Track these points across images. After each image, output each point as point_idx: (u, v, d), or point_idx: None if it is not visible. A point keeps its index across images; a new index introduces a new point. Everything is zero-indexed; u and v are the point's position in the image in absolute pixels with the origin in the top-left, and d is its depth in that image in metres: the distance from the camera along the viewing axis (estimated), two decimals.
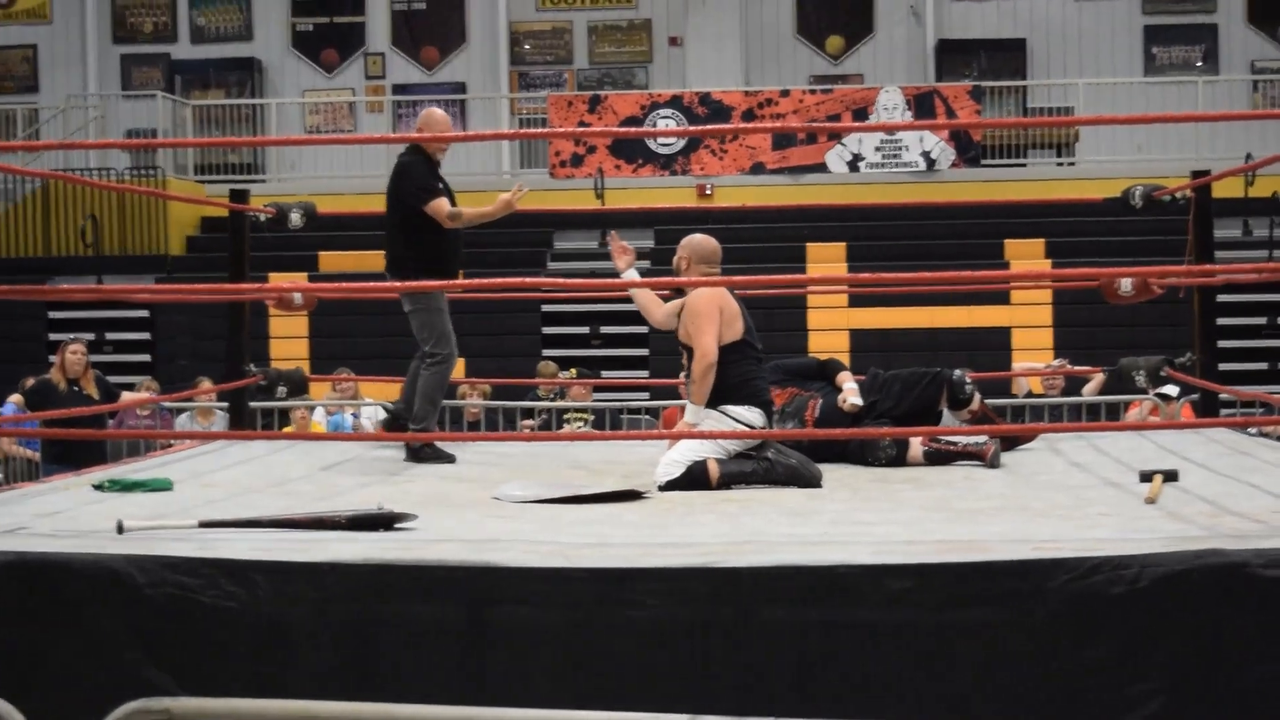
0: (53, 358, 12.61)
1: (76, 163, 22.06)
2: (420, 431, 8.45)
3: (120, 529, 5.42)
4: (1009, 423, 10.00)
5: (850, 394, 8.12)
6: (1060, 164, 22.92)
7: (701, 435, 7.13)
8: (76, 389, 12.05)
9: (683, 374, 7.80)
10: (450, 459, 8.38)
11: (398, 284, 8.40)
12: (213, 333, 17.46)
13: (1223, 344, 10.81)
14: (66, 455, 11.50)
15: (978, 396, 8.22)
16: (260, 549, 5.09)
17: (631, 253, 8.21)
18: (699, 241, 7.77)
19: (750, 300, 7.99)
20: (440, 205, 8.39)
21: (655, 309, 7.95)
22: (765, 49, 25.05)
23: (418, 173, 8.52)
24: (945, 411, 8.28)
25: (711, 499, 6.78)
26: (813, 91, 22.41)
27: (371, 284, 7.94)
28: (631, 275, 8.24)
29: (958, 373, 8.20)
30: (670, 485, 7.10)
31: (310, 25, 26.03)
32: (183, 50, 26.18)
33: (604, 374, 18.48)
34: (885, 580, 4.76)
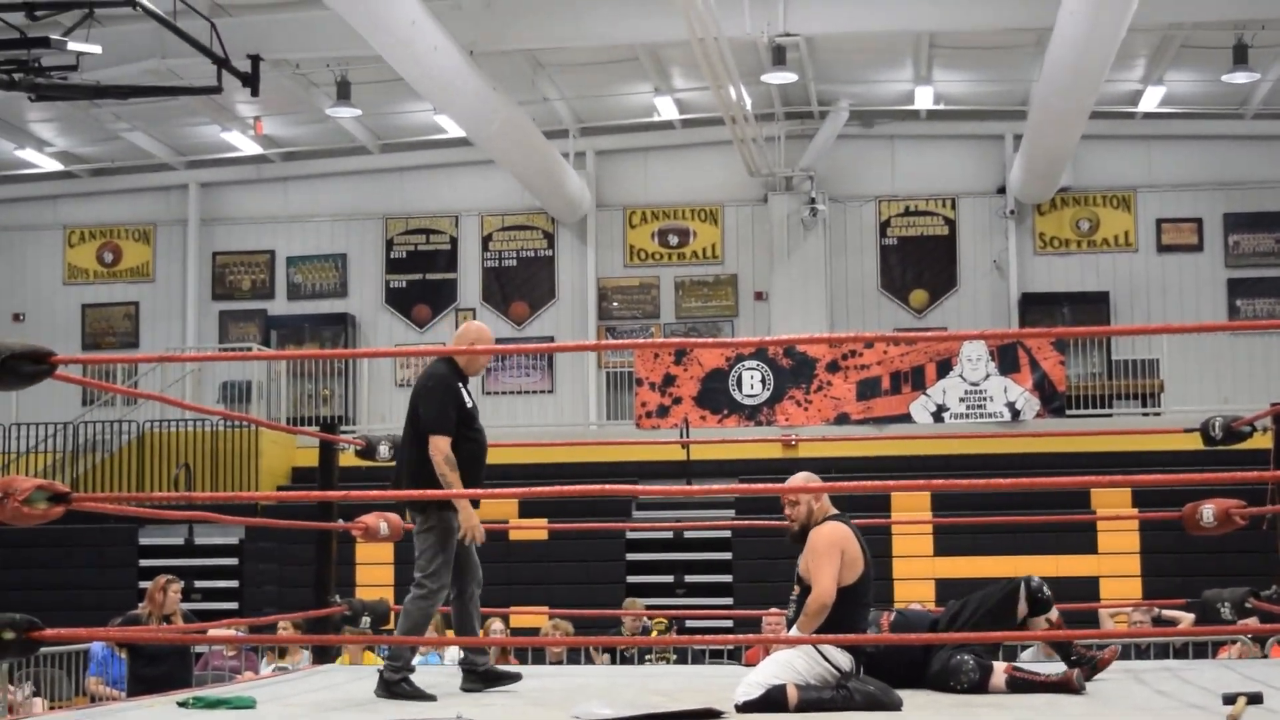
0: (142, 605, 12.55)
1: (172, 414, 22.48)
2: (400, 676, 7.88)
3: None
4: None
5: None
6: (1146, 414, 22.89)
7: (789, 641, 7.12)
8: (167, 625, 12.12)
9: (791, 601, 7.75)
10: (430, 698, 7.79)
11: (478, 492, 8.15)
12: (298, 581, 17.58)
13: None
14: (152, 691, 11.56)
15: (1056, 609, 8.16)
16: None
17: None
18: (804, 481, 7.82)
19: None
20: (440, 445, 8.03)
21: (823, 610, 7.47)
22: (850, 303, 25.37)
23: (439, 396, 8.15)
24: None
25: (789, 719, 6.76)
26: (898, 343, 22.61)
27: (453, 492, 7.92)
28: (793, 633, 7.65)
29: (1035, 579, 8.17)
30: (748, 706, 7.09)
31: (403, 282, 26.64)
32: (279, 306, 26.84)
33: (689, 624, 18.52)
34: None
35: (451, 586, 8.34)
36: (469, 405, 8.29)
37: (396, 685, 7.86)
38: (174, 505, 17.00)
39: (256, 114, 24.05)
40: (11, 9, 17.11)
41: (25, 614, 6.16)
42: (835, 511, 7.76)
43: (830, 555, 7.44)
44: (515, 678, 8.24)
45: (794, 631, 7.49)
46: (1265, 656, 10.65)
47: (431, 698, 7.81)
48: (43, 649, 9.86)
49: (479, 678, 8.25)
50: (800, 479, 7.86)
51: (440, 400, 8.14)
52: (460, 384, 8.29)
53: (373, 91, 22.65)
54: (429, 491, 7.99)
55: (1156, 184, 25.20)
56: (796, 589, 7.65)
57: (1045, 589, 8.12)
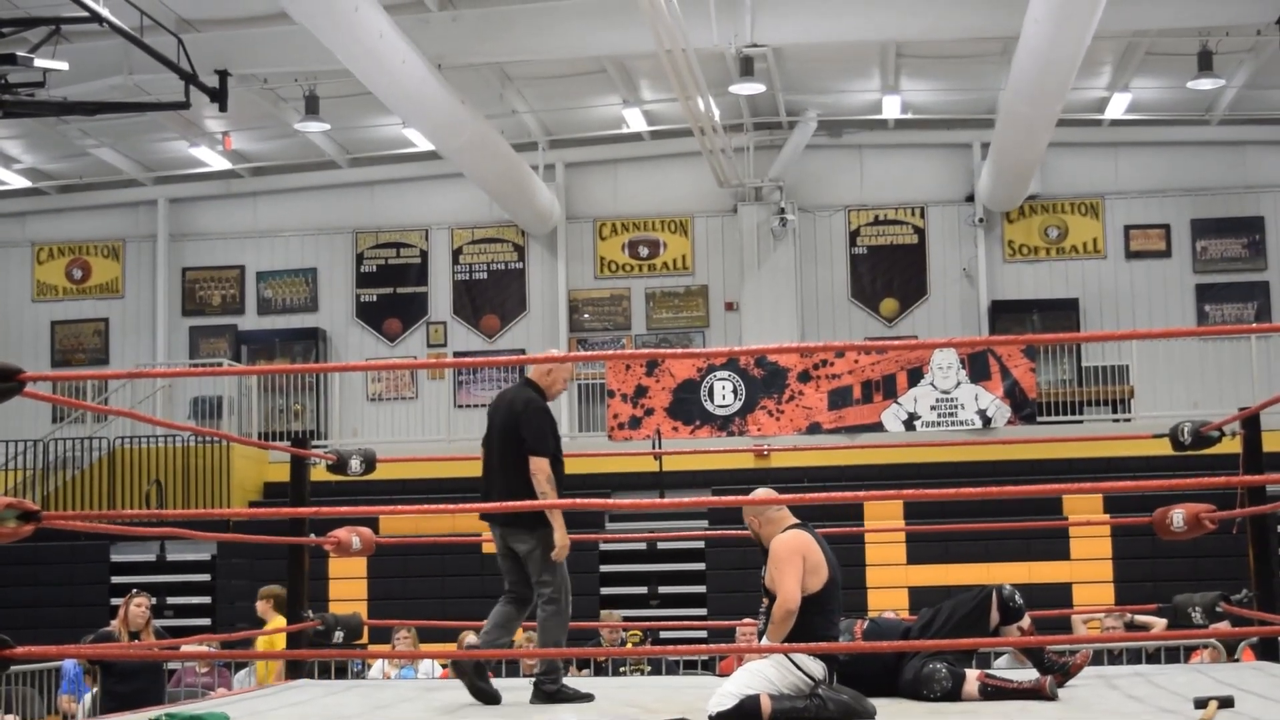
0: (114, 622, 12.56)
1: (143, 431, 22.42)
2: (558, 685, 8.29)
3: None
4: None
5: None
6: (1116, 420, 22.96)
7: (762, 650, 7.13)
8: (138, 642, 12.08)
9: (761, 613, 7.80)
10: (589, 698, 8.29)
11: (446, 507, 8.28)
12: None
13: None
14: (125, 708, 11.51)
15: (1028, 617, 8.19)
16: None
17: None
18: (758, 496, 7.87)
19: None
20: (542, 465, 8.34)
21: (790, 615, 7.52)
22: (821, 313, 25.41)
23: (540, 420, 8.48)
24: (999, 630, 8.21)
25: None
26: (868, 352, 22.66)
27: (428, 506, 7.94)
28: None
29: (1007, 588, 8.19)
30: (722, 717, 7.10)
31: (374, 296, 26.61)
32: (249, 322, 26.79)
33: (663, 635, 18.54)
34: None
35: (509, 593, 8.57)
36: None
37: (556, 694, 8.24)
38: (145, 522, 16.96)
39: (225, 129, 24.01)
40: None
41: None
42: (795, 521, 7.78)
43: (792, 561, 7.47)
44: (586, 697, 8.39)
45: (765, 642, 7.51)
46: (1236, 660, 10.69)
47: (589, 697, 8.26)
48: (14, 667, 9.83)
49: (478, 692, 8.37)
50: (758, 494, 7.89)
51: (540, 424, 8.46)
52: None
53: (341, 105, 22.63)
54: (411, 508, 8.06)
55: (1124, 191, 25.31)
56: (765, 600, 7.68)
57: (1017, 597, 8.15)
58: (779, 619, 7.40)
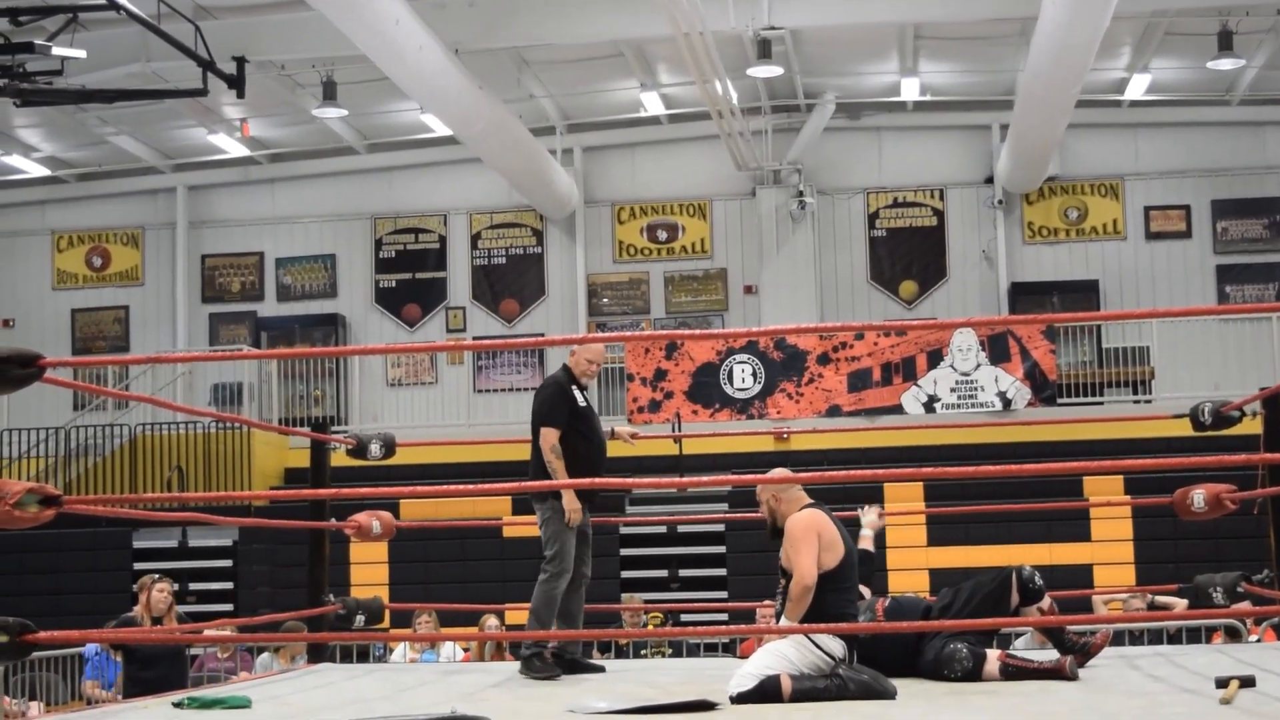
0: (136, 608, 12.57)
1: (164, 417, 22.49)
2: (534, 651, 8.57)
3: None
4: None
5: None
6: (1137, 402, 22.91)
7: (782, 631, 7.15)
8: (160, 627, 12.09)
9: (778, 593, 7.82)
10: (556, 675, 8.50)
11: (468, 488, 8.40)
12: (293, 582, 17.58)
13: None
14: (148, 693, 11.53)
15: (1048, 598, 8.17)
16: None
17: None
18: (775, 475, 7.90)
19: None
20: (548, 436, 8.71)
21: (807, 592, 7.49)
22: (840, 296, 25.38)
23: (552, 394, 8.86)
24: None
25: (783, 710, 6.78)
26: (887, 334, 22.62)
27: (447, 488, 7.95)
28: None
29: (1027, 569, 8.17)
30: (742, 697, 7.10)
31: (393, 282, 26.63)
32: (269, 308, 26.83)
33: (683, 617, 18.55)
34: None
35: None
36: (581, 405, 8.94)
37: (529, 661, 8.55)
38: (167, 507, 17.01)
39: (243, 116, 24.05)
40: None
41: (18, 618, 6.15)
42: (810, 501, 7.79)
43: (807, 539, 7.49)
44: (599, 669, 8.80)
45: (783, 622, 7.51)
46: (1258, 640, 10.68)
47: (556, 676, 8.49)
48: (37, 653, 9.86)
49: (564, 665, 8.70)
50: (775, 474, 7.91)
51: (553, 398, 8.86)
52: (574, 388, 8.95)
53: (359, 91, 22.64)
54: (431, 489, 8.13)
55: (1144, 172, 25.24)
56: (782, 581, 7.69)
57: (1037, 578, 8.13)
58: (796, 596, 7.41)
